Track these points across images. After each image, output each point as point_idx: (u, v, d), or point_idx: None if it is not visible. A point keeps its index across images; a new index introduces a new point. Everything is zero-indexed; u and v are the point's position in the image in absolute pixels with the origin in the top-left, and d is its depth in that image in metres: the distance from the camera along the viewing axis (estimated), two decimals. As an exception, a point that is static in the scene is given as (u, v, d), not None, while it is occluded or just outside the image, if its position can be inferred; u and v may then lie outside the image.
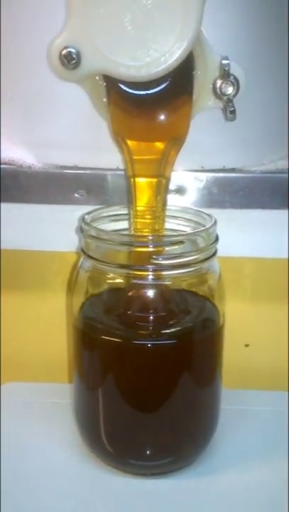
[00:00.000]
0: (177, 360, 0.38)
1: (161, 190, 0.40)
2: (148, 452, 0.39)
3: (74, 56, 0.36)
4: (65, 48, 0.36)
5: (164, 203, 0.41)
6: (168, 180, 0.41)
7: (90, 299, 0.39)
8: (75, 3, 0.35)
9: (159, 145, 0.40)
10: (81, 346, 0.39)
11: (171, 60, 0.35)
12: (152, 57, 0.35)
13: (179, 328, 0.38)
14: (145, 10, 0.35)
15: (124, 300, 0.39)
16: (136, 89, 0.37)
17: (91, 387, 0.39)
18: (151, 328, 0.38)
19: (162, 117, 0.39)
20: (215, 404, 0.40)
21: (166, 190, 0.41)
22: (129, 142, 0.39)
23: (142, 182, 0.40)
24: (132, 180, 0.40)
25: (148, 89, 0.37)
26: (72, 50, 0.36)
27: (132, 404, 0.38)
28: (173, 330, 0.38)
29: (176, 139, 0.40)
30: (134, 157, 0.40)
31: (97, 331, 0.38)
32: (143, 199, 0.40)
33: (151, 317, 0.38)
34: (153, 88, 0.37)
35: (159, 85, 0.37)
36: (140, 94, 0.37)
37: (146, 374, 0.37)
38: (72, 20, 0.36)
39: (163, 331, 0.38)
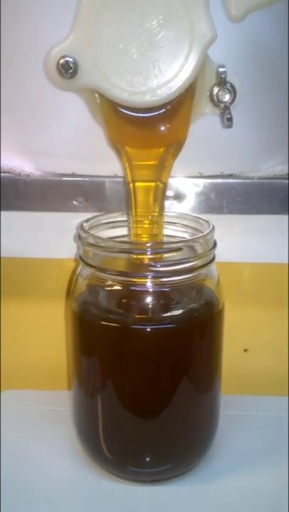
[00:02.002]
0: (176, 346, 0.37)
1: (159, 195, 0.41)
2: (147, 459, 0.39)
3: (71, 65, 0.36)
4: (63, 57, 0.36)
5: (162, 209, 0.41)
6: (165, 185, 0.41)
7: (89, 287, 0.39)
8: (83, 16, 0.36)
9: (157, 150, 0.40)
10: (79, 333, 0.39)
11: (167, 93, 0.36)
12: (148, 87, 0.36)
13: (177, 313, 0.38)
14: (151, 40, 0.35)
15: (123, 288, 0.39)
16: (129, 110, 0.38)
17: (91, 380, 0.39)
18: (149, 312, 0.37)
19: (160, 124, 0.39)
20: (214, 406, 0.40)
21: (164, 196, 0.41)
22: (127, 148, 0.40)
23: (140, 187, 0.40)
24: (130, 185, 0.41)
25: (143, 113, 0.38)
26: (70, 60, 0.36)
27: (131, 395, 0.38)
28: (171, 314, 0.37)
29: (173, 145, 0.40)
30: (134, 162, 0.40)
31: (95, 316, 0.37)
32: (142, 204, 0.41)
33: (149, 302, 0.37)
34: (147, 113, 0.38)
35: (153, 111, 0.38)
36: (133, 115, 0.38)
37: (145, 360, 0.37)
38: (76, 32, 0.36)
39: (162, 315, 0.37)
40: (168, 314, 0.37)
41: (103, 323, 0.37)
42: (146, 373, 0.37)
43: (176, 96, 0.36)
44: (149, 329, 0.36)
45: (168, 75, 0.36)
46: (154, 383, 0.37)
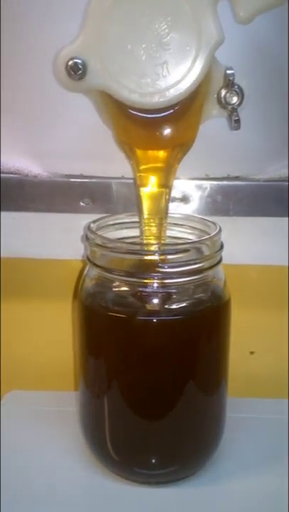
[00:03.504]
0: (183, 337, 0.37)
1: (165, 196, 0.41)
2: (153, 461, 0.39)
3: (80, 67, 0.37)
4: (72, 58, 0.37)
5: (167, 210, 0.41)
6: (171, 186, 0.41)
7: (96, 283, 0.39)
8: (92, 18, 0.36)
9: (165, 152, 0.40)
10: (86, 326, 0.39)
11: (175, 94, 0.36)
12: (156, 89, 0.36)
13: (184, 304, 0.37)
14: (159, 42, 0.36)
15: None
16: (138, 111, 0.38)
17: (98, 376, 0.38)
18: (156, 304, 0.37)
19: (168, 126, 0.39)
20: (221, 408, 0.40)
21: (169, 197, 0.41)
22: (135, 149, 0.40)
23: (150, 188, 0.41)
24: (140, 187, 0.41)
25: (151, 114, 0.38)
26: (79, 61, 0.37)
27: (138, 389, 0.37)
28: (178, 306, 0.37)
29: (182, 146, 0.40)
30: (142, 164, 0.40)
31: (102, 307, 0.37)
32: (150, 205, 0.41)
33: (157, 295, 0.37)
34: (155, 114, 0.38)
35: (161, 112, 0.38)
36: (142, 117, 0.38)
37: (152, 353, 0.37)
38: (85, 33, 0.37)
39: (168, 307, 0.37)
40: (175, 306, 0.37)
41: (110, 314, 0.37)
42: (153, 367, 0.37)
43: (184, 97, 0.36)
44: (155, 320, 0.36)
45: (176, 76, 0.36)
46: (160, 377, 0.37)
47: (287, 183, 0.44)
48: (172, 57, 0.36)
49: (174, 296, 0.37)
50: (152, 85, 0.36)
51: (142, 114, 0.38)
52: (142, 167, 0.40)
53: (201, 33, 0.35)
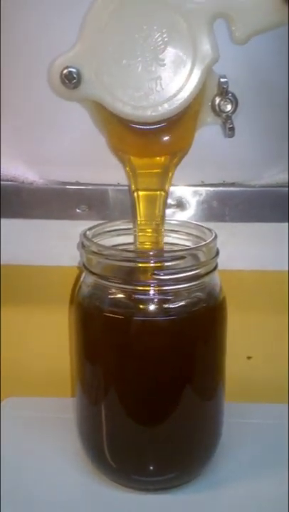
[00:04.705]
0: (180, 338, 0.37)
1: (161, 203, 0.41)
2: (151, 467, 0.39)
3: (75, 76, 0.37)
4: (67, 67, 0.37)
5: (164, 217, 0.41)
6: (167, 193, 0.41)
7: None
8: (89, 29, 0.36)
9: (160, 159, 0.40)
10: (82, 327, 0.39)
11: (168, 109, 0.37)
12: (150, 103, 0.36)
13: (180, 304, 0.37)
14: (155, 57, 0.36)
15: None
16: (133, 123, 0.38)
17: (95, 380, 0.39)
18: (153, 305, 0.37)
19: (163, 134, 0.39)
20: (217, 413, 0.40)
21: (166, 204, 0.41)
22: (130, 157, 0.40)
23: (144, 196, 0.41)
24: (134, 194, 0.41)
25: (145, 125, 0.38)
26: (73, 70, 0.37)
27: (136, 390, 0.37)
28: (174, 306, 0.37)
29: (177, 154, 0.40)
30: (137, 171, 0.40)
31: (99, 308, 0.37)
32: (147, 212, 0.41)
33: (152, 300, 0.37)
34: (150, 125, 0.38)
35: (155, 124, 0.38)
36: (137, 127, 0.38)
37: (149, 353, 0.37)
38: (81, 43, 0.37)
39: (165, 307, 0.37)
40: (171, 306, 0.37)
41: (106, 315, 0.37)
42: (149, 369, 0.37)
43: (177, 112, 0.37)
44: (152, 320, 0.36)
45: (170, 91, 0.36)
46: (157, 380, 0.37)
47: (282, 189, 0.44)
48: (167, 72, 0.36)
49: (170, 300, 0.37)
50: (145, 99, 0.36)
51: (136, 126, 0.38)
52: (137, 172, 0.40)
53: (197, 50, 0.36)
